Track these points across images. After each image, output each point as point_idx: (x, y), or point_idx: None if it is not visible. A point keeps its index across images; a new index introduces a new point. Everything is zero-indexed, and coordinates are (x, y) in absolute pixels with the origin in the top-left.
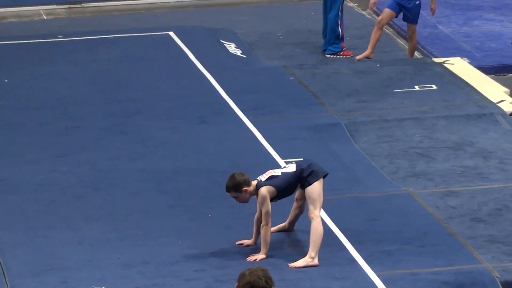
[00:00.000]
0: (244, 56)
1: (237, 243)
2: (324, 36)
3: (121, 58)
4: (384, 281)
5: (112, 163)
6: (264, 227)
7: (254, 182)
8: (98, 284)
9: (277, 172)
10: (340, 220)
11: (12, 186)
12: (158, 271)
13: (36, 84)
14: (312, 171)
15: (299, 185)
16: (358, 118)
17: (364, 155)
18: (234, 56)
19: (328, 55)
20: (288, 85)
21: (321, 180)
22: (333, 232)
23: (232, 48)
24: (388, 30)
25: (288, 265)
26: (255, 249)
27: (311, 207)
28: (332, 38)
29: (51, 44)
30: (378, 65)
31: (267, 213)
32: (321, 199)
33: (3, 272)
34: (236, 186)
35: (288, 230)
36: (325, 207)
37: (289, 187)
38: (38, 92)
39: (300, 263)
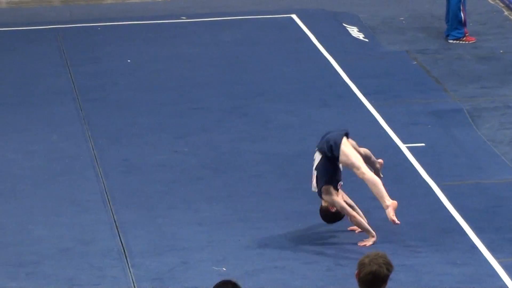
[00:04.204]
0: (367, 40)
1: (349, 228)
2: (447, 21)
3: (244, 40)
4: (505, 268)
5: (233, 145)
6: (351, 219)
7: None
8: (218, 265)
9: (314, 173)
10: (461, 206)
11: (133, 167)
12: (278, 254)
13: (157, 65)
14: (330, 145)
15: (337, 162)
16: (480, 104)
17: (486, 142)
18: (357, 40)
19: (451, 41)
20: (410, 70)
21: (344, 141)
22: (454, 218)
23: (354, 31)
24: None
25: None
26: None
27: (354, 170)
28: (455, 24)
29: (173, 25)
30: (501, 51)
31: (342, 209)
32: (357, 155)
33: (124, 251)
34: (325, 216)
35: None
36: (447, 192)
37: (332, 172)
38: (159, 73)
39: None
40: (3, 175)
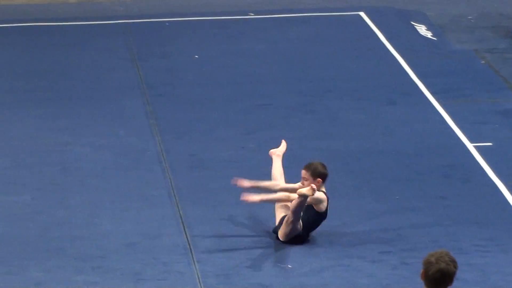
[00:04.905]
0: (435, 38)
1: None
2: None
3: (311, 37)
4: None
5: (300, 141)
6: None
7: (322, 189)
8: (284, 262)
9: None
10: None
11: (200, 162)
12: (343, 251)
13: (225, 61)
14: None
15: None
16: None
17: None
18: (425, 38)
19: None
20: (479, 69)
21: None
22: None
23: (422, 30)
24: None
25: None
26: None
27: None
28: None
29: (241, 21)
30: None
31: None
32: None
33: (189, 247)
34: (315, 171)
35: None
36: None
37: (307, 219)
38: (227, 69)
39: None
40: (71, 168)
